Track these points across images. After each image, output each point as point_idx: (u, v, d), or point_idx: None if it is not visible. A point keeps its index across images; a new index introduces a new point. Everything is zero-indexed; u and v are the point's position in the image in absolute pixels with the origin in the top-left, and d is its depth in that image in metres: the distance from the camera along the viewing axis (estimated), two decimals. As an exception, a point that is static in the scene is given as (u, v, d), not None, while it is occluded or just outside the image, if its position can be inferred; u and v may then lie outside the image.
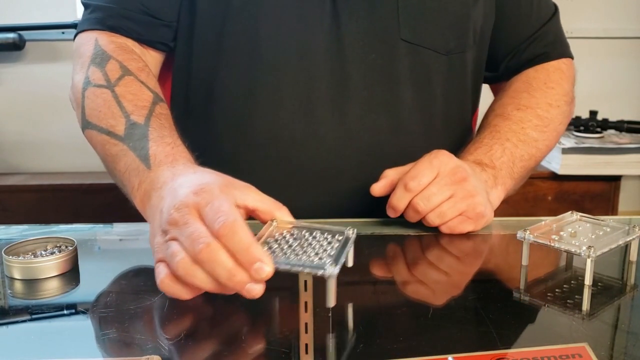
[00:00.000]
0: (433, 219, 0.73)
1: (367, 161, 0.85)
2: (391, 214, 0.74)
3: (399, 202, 0.73)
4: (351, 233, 0.56)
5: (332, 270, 0.49)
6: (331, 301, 0.50)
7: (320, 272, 0.49)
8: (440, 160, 0.73)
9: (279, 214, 0.57)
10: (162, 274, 0.53)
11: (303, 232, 0.56)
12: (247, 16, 0.82)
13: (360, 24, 0.83)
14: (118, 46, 0.80)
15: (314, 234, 0.56)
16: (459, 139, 0.94)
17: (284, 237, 0.55)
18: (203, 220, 0.52)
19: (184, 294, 0.53)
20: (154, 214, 0.59)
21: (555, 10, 0.97)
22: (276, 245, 0.54)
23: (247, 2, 0.82)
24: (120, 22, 0.83)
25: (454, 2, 0.86)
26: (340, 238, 0.55)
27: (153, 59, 0.88)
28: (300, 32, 0.82)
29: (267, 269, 0.49)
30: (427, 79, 0.87)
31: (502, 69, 0.97)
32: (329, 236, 0.55)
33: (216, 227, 0.51)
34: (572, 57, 0.98)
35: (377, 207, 0.78)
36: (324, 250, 0.53)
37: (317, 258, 0.51)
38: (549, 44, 0.95)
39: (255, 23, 0.82)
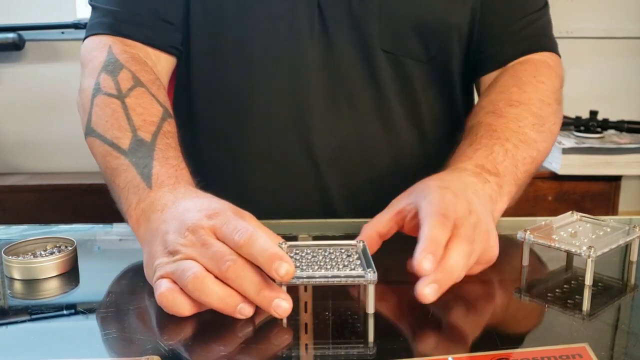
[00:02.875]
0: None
1: (359, 170, 0.86)
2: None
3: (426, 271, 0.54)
4: (361, 244, 0.58)
5: (373, 277, 0.52)
6: (372, 307, 0.53)
7: (362, 280, 0.52)
8: (450, 201, 0.59)
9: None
10: (163, 287, 0.53)
11: (317, 250, 0.57)
12: (238, 27, 0.82)
13: (346, 35, 0.83)
14: (131, 56, 0.79)
15: (328, 250, 0.57)
16: (455, 141, 0.93)
17: (303, 256, 0.56)
18: (221, 241, 0.53)
19: (185, 309, 0.53)
20: (153, 236, 0.58)
21: (544, 4, 0.92)
22: (299, 264, 0.54)
23: (239, 13, 0.82)
24: (132, 28, 0.82)
25: (435, 10, 0.84)
26: (355, 249, 0.57)
27: (167, 63, 0.86)
28: (292, 43, 0.82)
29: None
30: (411, 87, 0.87)
31: (482, 59, 0.91)
32: (343, 250, 0.57)
33: (236, 238, 0.52)
34: (559, 55, 0.93)
35: (370, 217, 0.77)
36: (350, 262, 0.55)
37: (348, 269, 0.53)
38: (535, 36, 0.90)
39: (246, 34, 0.82)
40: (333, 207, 0.86)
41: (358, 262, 0.55)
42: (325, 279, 0.52)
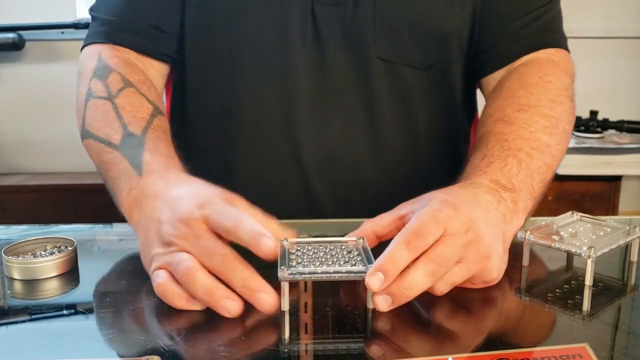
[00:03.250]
0: (441, 288, 0.57)
1: (346, 178, 0.86)
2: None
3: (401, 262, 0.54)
4: (362, 241, 0.58)
5: None
6: (371, 303, 0.53)
7: (363, 276, 0.52)
8: (445, 215, 0.56)
9: (270, 225, 0.58)
10: (160, 277, 0.55)
11: (318, 246, 0.58)
12: (229, 34, 0.82)
13: (340, 42, 0.82)
14: (121, 60, 0.80)
15: (328, 247, 0.58)
16: (451, 151, 0.92)
17: (304, 252, 0.57)
18: (213, 231, 0.55)
19: (180, 302, 0.54)
20: (148, 224, 0.59)
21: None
22: (300, 260, 0.55)
23: (230, 20, 0.82)
24: (124, 36, 0.83)
25: (433, 17, 0.83)
26: (356, 246, 0.58)
27: (157, 71, 0.87)
28: (282, 48, 0.81)
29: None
30: (407, 96, 0.86)
31: (485, 58, 0.88)
32: (344, 246, 0.58)
33: (225, 223, 0.54)
34: (567, 49, 0.88)
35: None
36: (351, 258, 0.55)
37: (349, 265, 0.54)
38: (540, 32, 0.86)
39: (237, 38, 0.82)
40: (321, 213, 0.86)
41: (359, 258, 0.55)
42: (327, 275, 0.52)
